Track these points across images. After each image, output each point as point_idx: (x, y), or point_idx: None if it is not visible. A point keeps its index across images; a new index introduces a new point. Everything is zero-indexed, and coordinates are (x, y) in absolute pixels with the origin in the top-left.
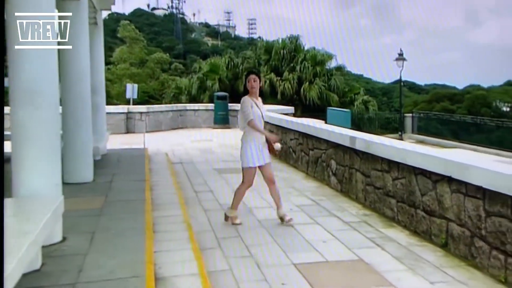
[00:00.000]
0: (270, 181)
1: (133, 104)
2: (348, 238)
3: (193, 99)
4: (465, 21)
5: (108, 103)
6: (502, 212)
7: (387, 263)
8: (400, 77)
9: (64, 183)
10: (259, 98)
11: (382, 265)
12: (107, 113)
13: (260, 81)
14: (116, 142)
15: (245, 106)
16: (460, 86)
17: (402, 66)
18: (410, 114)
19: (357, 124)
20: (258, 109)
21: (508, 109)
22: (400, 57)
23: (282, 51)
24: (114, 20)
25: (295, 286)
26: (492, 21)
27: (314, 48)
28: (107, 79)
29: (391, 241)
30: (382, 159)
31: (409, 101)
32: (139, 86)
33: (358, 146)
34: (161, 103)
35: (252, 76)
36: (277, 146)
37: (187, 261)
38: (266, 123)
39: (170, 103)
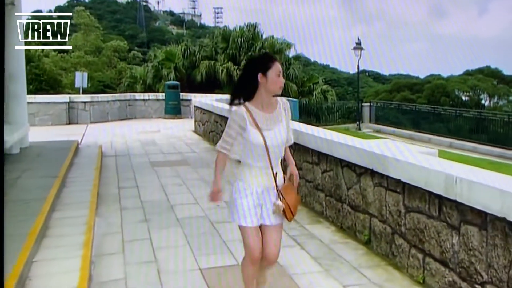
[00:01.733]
0: (265, 258)
1: (87, 93)
2: None
3: (149, 89)
4: (430, 12)
5: (59, 93)
6: (420, 207)
7: (302, 264)
8: (358, 66)
9: None
10: (283, 106)
11: (296, 267)
12: (47, 102)
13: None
14: (52, 133)
15: (228, 125)
16: (423, 76)
17: (360, 55)
18: (368, 104)
19: (316, 114)
20: (269, 131)
21: (467, 98)
22: (358, 46)
23: (239, 39)
24: (72, 7)
25: None
26: (456, 12)
27: (272, 36)
28: (60, 68)
29: (313, 238)
30: (313, 150)
31: (372, 91)
32: (89, 74)
33: None
34: (116, 93)
35: (277, 66)
36: (277, 203)
37: (69, 271)
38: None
39: (124, 93)
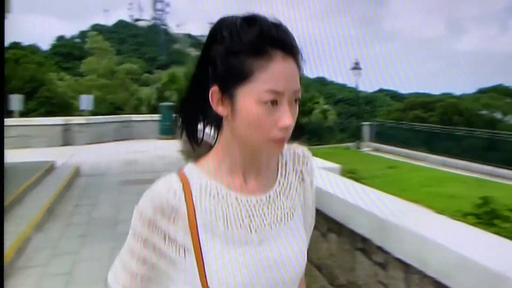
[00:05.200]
0: None
1: (99, 115)
2: None
3: (153, 110)
4: (449, 30)
5: (69, 115)
6: None
7: None
8: (357, 86)
9: None
10: (297, 166)
11: None
12: (43, 125)
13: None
14: (41, 155)
15: (133, 237)
16: (438, 94)
17: (359, 75)
18: (368, 123)
19: (318, 133)
20: (261, 247)
21: (481, 116)
22: (356, 67)
23: None
24: (97, 31)
25: None
26: (475, 29)
27: None
28: (75, 91)
29: None
30: None
31: (386, 110)
32: (101, 97)
33: None
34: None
35: (280, 68)
36: None
37: None
38: None
39: (130, 114)
